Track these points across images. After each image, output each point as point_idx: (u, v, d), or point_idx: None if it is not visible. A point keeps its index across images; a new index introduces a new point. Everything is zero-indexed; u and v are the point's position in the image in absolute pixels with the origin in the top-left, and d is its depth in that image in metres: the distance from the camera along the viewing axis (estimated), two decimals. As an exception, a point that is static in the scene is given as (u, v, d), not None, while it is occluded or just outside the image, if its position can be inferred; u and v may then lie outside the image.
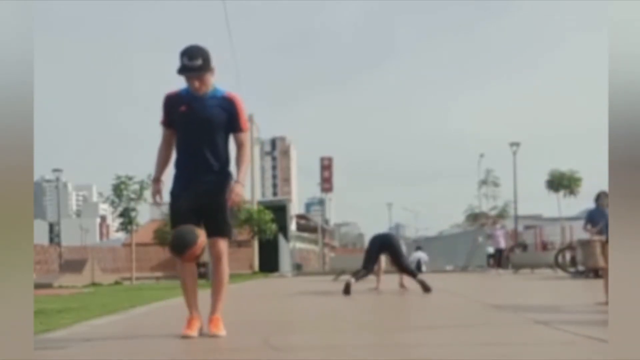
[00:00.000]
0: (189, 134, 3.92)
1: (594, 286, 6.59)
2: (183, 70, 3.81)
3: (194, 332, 3.89)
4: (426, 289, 8.36)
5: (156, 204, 4.20)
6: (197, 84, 3.84)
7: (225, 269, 4.00)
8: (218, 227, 3.94)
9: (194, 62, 3.77)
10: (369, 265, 9.09)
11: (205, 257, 3.97)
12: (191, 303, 3.99)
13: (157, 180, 4.10)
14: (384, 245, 9.15)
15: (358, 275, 8.91)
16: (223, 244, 3.95)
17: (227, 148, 4.03)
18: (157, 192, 4.08)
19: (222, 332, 3.93)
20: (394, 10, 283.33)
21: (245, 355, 3.39)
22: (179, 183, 4.00)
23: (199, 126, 3.90)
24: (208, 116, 3.89)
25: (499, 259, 16.27)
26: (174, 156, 4.06)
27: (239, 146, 4.00)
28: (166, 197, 4.09)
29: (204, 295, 4.15)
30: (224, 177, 3.99)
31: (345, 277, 10.89)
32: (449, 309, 6.19)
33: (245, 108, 4.05)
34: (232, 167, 4.07)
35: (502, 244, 16.25)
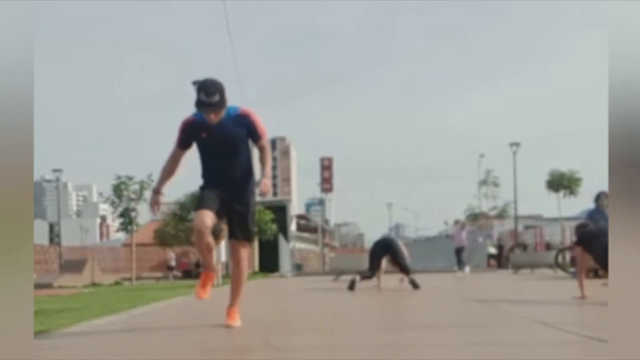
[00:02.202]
0: (214, 155, 4.21)
1: (594, 286, 6.59)
2: (200, 105, 3.98)
3: (206, 294, 4.25)
4: (415, 286, 9.16)
5: (153, 213, 4.51)
6: (213, 117, 4.04)
7: (244, 270, 4.32)
8: (242, 232, 4.25)
9: (212, 98, 3.95)
10: (373, 267, 9.89)
11: None
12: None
13: (157, 191, 4.36)
14: (386, 249, 9.97)
15: (363, 275, 9.70)
16: (244, 249, 4.26)
17: (251, 159, 4.30)
18: (155, 203, 4.36)
19: (237, 323, 4.26)
20: (394, 10, 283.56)
21: (245, 355, 3.39)
22: (207, 183, 4.30)
23: (222, 148, 4.16)
24: (229, 137, 4.13)
25: (459, 258, 16.22)
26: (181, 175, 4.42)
27: (261, 149, 4.27)
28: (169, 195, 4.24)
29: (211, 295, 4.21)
30: (248, 186, 4.28)
31: (345, 278, 11.29)
32: (449, 309, 6.19)
33: (261, 117, 4.26)
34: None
35: (460, 243, 16.25)
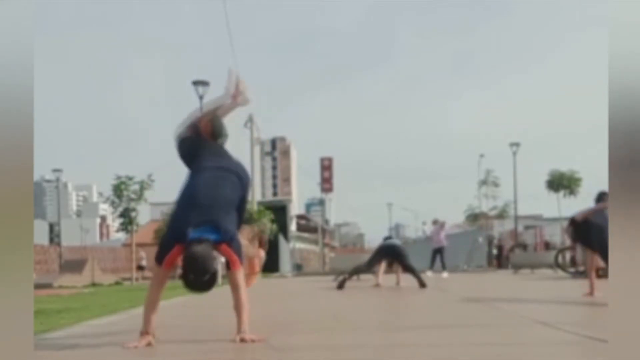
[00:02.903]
0: None
1: (603, 286, 6.59)
2: (188, 284, 3.52)
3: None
4: (422, 285, 9.34)
5: None
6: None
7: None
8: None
9: (202, 277, 3.47)
10: (370, 266, 10.25)
11: None
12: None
13: (149, 332, 3.69)
14: (393, 255, 10.18)
15: (356, 271, 10.26)
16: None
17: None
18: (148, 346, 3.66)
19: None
20: (394, 10, 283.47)
21: (245, 355, 3.39)
22: None
23: None
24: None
25: (433, 258, 15.63)
26: None
27: (232, 287, 3.77)
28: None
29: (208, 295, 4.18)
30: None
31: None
32: (449, 309, 6.20)
33: (236, 249, 3.75)
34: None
35: (439, 244, 15.62)
